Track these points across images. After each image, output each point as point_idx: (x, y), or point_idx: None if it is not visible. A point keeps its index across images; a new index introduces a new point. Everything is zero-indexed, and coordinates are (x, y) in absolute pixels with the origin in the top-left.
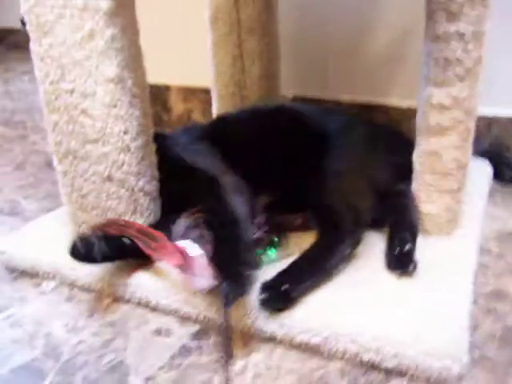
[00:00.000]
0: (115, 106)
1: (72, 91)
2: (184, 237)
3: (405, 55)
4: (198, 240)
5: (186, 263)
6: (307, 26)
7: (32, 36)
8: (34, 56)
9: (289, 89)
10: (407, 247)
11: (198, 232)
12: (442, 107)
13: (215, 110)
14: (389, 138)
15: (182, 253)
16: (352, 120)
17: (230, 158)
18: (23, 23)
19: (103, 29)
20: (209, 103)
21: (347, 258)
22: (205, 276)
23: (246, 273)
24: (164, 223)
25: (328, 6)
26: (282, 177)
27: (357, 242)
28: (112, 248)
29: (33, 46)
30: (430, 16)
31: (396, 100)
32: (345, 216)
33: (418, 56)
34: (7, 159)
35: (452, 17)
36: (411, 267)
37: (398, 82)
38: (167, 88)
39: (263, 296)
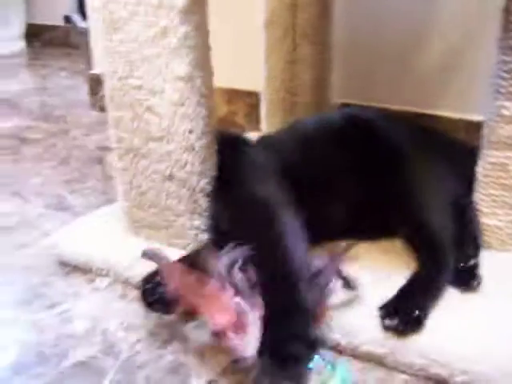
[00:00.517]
0: (183, 105)
1: (140, 88)
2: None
3: (457, 67)
4: (243, 284)
5: (238, 321)
6: (358, 34)
7: (103, 32)
8: (104, 51)
9: (338, 96)
10: (471, 263)
11: (245, 276)
12: None
13: (264, 115)
14: (456, 148)
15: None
16: (418, 129)
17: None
18: (68, 20)
19: (177, 26)
20: (253, 106)
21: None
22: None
23: (301, 353)
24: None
25: (381, 12)
26: (357, 193)
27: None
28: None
29: (103, 41)
30: (507, 28)
31: (447, 111)
32: (445, 238)
33: (471, 68)
34: (51, 154)
35: None
36: (475, 283)
37: (449, 92)
38: None
39: (394, 322)
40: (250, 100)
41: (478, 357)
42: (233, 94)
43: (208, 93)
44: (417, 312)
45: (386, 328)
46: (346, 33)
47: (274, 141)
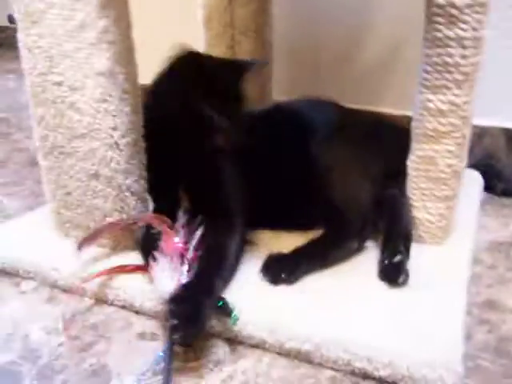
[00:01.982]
0: (105, 101)
1: (60, 84)
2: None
3: (398, 63)
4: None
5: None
6: (300, 32)
7: (20, 26)
8: (21, 46)
9: (280, 94)
10: (397, 258)
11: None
12: (439, 112)
13: None
14: (384, 128)
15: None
16: (345, 111)
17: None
18: (11, 21)
19: (95, 20)
20: None
21: (355, 252)
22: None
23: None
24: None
25: (321, 12)
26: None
27: (365, 238)
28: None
29: (20, 36)
30: (430, 20)
31: (389, 108)
32: (351, 212)
33: (410, 64)
34: None
35: (451, 21)
36: (401, 278)
37: (389, 89)
38: None
39: (266, 278)
40: None
41: (402, 351)
42: None
43: (132, 89)
44: (284, 275)
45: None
46: (287, 30)
47: None
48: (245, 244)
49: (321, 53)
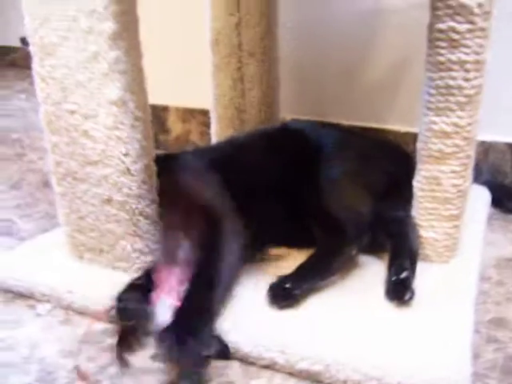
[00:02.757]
0: (117, 129)
1: (74, 112)
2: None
3: (403, 81)
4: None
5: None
6: (306, 52)
7: (35, 57)
8: (36, 77)
9: (288, 113)
10: (403, 275)
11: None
12: (443, 134)
13: (214, 133)
14: (385, 150)
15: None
16: (347, 133)
17: (235, 182)
18: (24, 42)
19: (107, 51)
20: (207, 125)
21: (352, 260)
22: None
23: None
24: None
25: (327, 31)
26: (286, 195)
27: (361, 245)
28: None
29: (35, 66)
30: (432, 44)
31: (394, 125)
32: (346, 220)
33: (417, 82)
34: (3, 178)
35: (453, 45)
36: (407, 296)
37: (396, 107)
38: (165, 109)
39: (268, 296)
40: (204, 118)
41: (411, 370)
42: (187, 113)
43: (142, 116)
44: (288, 285)
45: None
46: (293, 50)
47: (209, 149)
48: (253, 261)
49: (327, 71)
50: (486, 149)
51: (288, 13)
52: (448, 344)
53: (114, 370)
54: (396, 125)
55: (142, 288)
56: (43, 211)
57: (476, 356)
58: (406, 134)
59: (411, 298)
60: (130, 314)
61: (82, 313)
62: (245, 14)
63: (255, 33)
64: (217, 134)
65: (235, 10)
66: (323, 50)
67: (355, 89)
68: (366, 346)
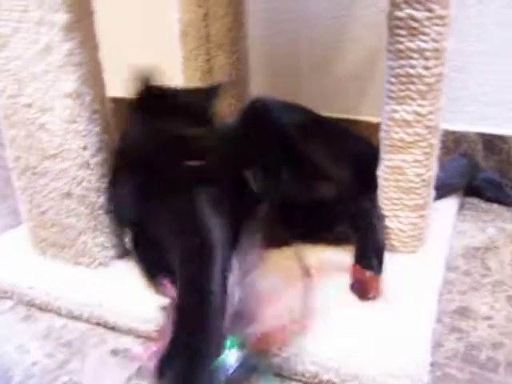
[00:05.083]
0: (74, 122)
1: (30, 106)
2: None
3: (375, 72)
4: None
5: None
6: (278, 42)
7: None
8: None
9: None
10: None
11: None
12: (405, 123)
13: None
14: (351, 137)
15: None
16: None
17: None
18: None
19: (60, 43)
20: None
21: None
22: None
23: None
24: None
25: (298, 22)
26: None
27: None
28: None
29: None
30: (392, 32)
31: (366, 116)
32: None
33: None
34: None
35: (412, 33)
36: (371, 295)
37: (368, 98)
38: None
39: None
40: None
41: (369, 362)
42: None
43: (100, 109)
44: None
45: None
46: (265, 42)
47: None
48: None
49: (299, 62)
50: (457, 138)
51: (258, 2)
52: (408, 334)
53: (74, 364)
54: (368, 116)
55: None
56: (10, 207)
57: (438, 345)
58: (378, 124)
59: (375, 296)
60: None
61: (43, 309)
62: (212, 5)
63: (223, 24)
64: None
65: (203, 1)
66: (295, 41)
67: (327, 80)
68: (324, 336)
